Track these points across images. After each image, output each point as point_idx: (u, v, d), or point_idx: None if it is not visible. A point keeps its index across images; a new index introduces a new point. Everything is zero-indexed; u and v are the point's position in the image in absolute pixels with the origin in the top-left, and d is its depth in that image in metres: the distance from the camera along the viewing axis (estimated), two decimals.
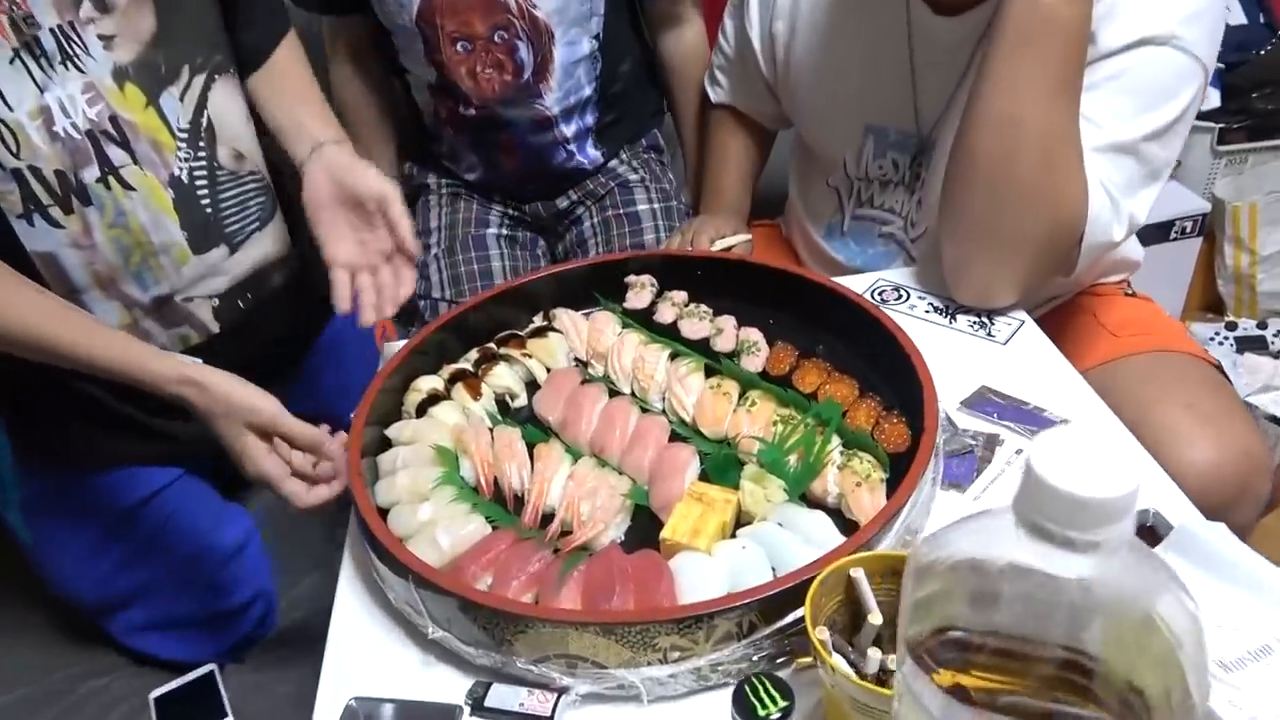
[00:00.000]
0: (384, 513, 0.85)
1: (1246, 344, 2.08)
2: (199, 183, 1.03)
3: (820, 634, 0.64)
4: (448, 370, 1.03)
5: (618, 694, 0.73)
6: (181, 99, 1.00)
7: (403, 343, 1.04)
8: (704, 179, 1.48)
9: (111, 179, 0.95)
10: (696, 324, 1.03)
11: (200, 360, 0.95)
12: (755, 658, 0.72)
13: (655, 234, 1.50)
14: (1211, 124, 2.11)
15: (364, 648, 0.80)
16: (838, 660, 0.63)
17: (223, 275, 1.07)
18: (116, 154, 0.96)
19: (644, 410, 0.97)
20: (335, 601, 0.84)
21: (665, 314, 1.06)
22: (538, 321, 1.09)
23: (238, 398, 0.91)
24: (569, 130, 1.47)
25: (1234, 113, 2.11)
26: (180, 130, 1.00)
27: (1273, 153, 2.15)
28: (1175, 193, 2.13)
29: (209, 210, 1.04)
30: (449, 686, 0.76)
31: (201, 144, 1.03)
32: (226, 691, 0.90)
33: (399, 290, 1.02)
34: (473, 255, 1.49)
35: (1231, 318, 2.21)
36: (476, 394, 0.99)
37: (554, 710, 0.72)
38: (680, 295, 1.09)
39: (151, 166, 0.98)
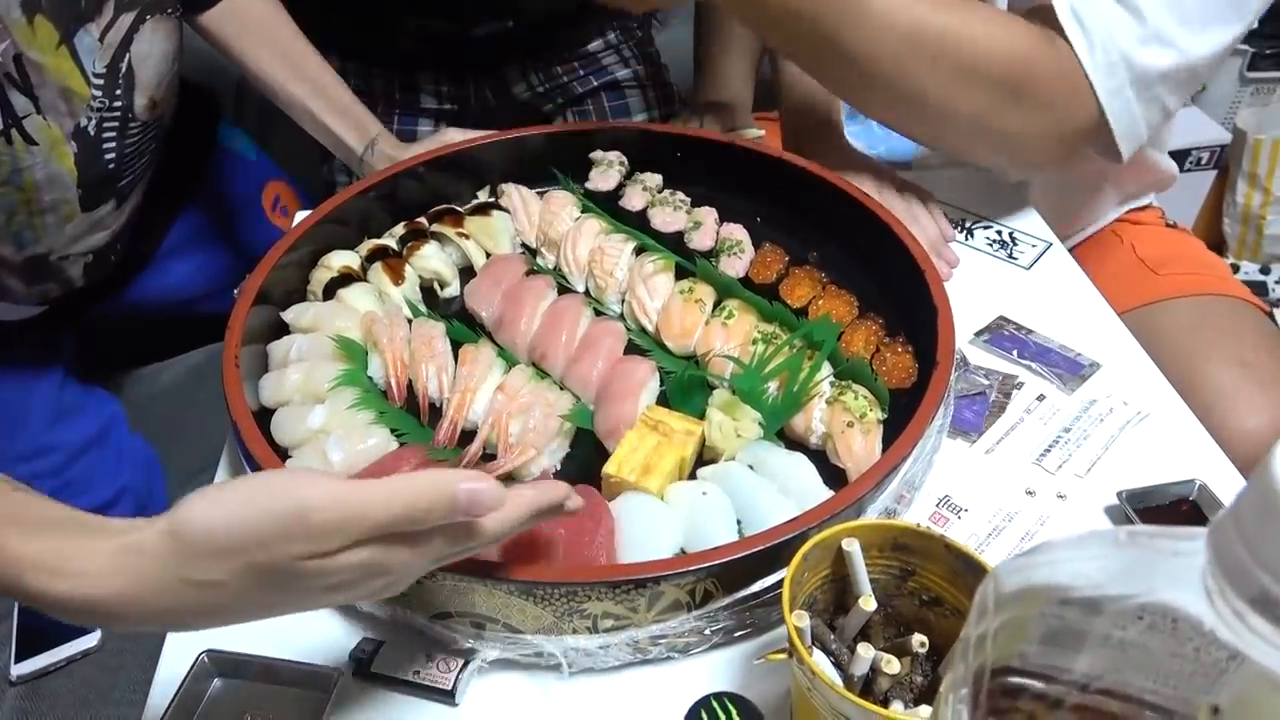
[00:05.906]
0: (269, 414, 0.72)
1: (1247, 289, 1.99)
2: (106, 134, 0.88)
3: (798, 620, 0.49)
4: (367, 246, 0.88)
5: (535, 662, 0.60)
6: (101, 39, 0.84)
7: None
8: (700, 62, 1.28)
9: (14, 131, 0.80)
10: (670, 215, 0.88)
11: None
12: (708, 631, 0.59)
13: (645, 114, 1.30)
14: (1244, 47, 1.95)
15: None
16: (820, 661, 0.49)
17: (104, 230, 0.95)
18: (19, 101, 0.80)
19: (598, 313, 0.84)
20: None
21: (634, 199, 0.91)
22: (482, 197, 0.96)
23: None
24: None
25: (1267, 37, 1.94)
26: (95, 75, 0.85)
27: None
28: (1194, 119, 1.99)
29: (111, 165, 0.91)
30: (330, 640, 0.62)
31: (118, 91, 0.88)
32: None
33: None
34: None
35: (1233, 260, 2.11)
36: (398, 277, 0.84)
37: (455, 684, 0.58)
38: (654, 179, 0.94)
39: (56, 116, 0.83)
